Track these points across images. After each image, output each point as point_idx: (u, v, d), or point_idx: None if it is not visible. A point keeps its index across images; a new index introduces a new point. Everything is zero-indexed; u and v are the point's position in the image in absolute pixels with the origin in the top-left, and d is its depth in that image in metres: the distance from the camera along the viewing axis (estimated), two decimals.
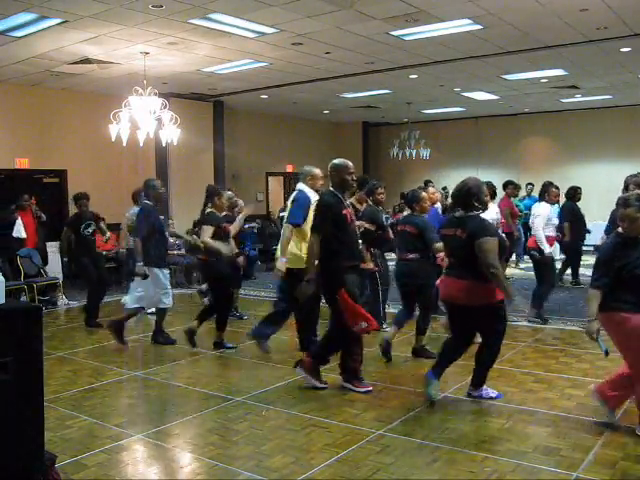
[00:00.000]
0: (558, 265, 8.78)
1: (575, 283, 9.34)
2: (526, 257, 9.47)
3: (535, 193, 10.73)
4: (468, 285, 4.17)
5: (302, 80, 10.90)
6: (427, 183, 11.35)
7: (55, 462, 2.97)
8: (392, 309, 7.30)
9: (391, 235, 6.24)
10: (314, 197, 5.47)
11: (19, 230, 9.11)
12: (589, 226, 9.53)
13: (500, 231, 5.77)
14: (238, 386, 4.92)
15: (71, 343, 6.56)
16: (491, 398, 4.41)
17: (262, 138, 15.03)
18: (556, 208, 7.91)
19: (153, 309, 7.37)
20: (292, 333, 6.65)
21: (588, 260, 9.61)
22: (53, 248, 10.19)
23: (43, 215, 9.76)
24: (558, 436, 3.76)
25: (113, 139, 8.71)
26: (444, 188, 12.37)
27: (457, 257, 4.35)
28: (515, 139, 16.03)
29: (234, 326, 6.97)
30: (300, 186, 5.71)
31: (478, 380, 4.44)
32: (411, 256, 5.52)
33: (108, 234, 7.94)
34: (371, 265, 5.87)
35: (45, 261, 9.63)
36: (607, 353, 3.78)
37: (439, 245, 5.15)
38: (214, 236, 6.05)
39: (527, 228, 9.34)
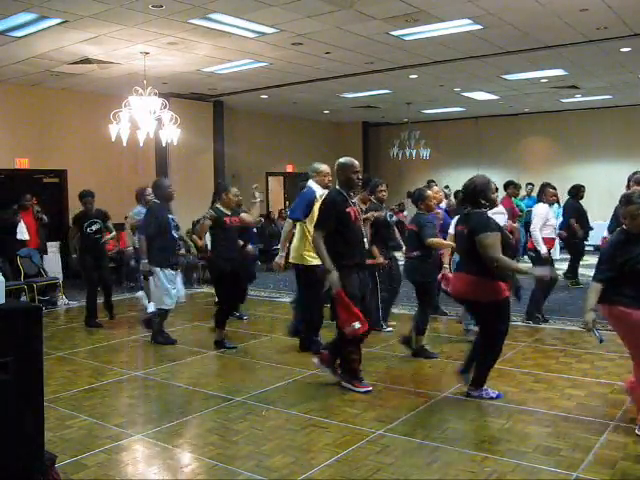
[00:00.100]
0: (557, 265, 8.78)
1: (575, 283, 9.34)
2: (525, 257, 9.47)
3: (535, 193, 10.73)
4: (473, 280, 4.27)
5: (302, 80, 10.90)
6: (430, 183, 11.36)
7: (55, 462, 2.97)
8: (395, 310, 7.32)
9: (397, 233, 6.38)
10: (320, 192, 5.53)
11: (22, 232, 9.13)
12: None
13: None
14: (238, 386, 4.91)
15: (71, 343, 6.56)
16: (491, 398, 4.42)
17: (262, 138, 15.02)
18: (555, 208, 7.92)
19: (153, 309, 7.38)
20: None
21: (589, 260, 9.62)
22: (53, 248, 10.20)
23: (45, 217, 9.70)
24: (558, 436, 3.76)
25: (113, 139, 8.71)
26: (446, 187, 12.40)
27: (463, 253, 4.50)
28: (515, 139, 16.03)
29: (234, 326, 6.97)
30: (309, 183, 5.86)
31: (478, 380, 4.45)
32: (414, 254, 5.62)
33: (114, 233, 7.86)
34: (381, 259, 5.88)
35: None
36: (601, 341, 3.81)
37: (431, 240, 5.40)
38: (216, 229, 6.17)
39: (527, 228, 9.35)
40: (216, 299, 6.80)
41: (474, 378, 4.47)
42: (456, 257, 5.84)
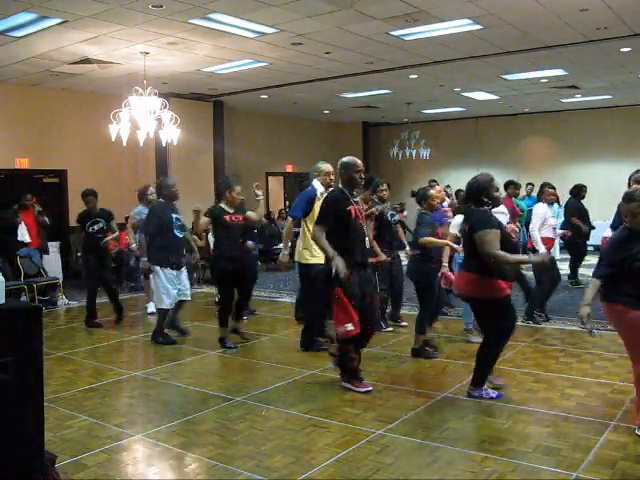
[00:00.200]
0: (558, 265, 8.76)
1: (575, 283, 9.34)
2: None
3: (535, 193, 10.74)
4: (473, 277, 4.30)
5: (302, 80, 10.90)
6: (432, 182, 11.37)
7: (55, 462, 2.97)
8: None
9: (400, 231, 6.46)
10: (321, 191, 5.60)
11: (23, 234, 9.12)
12: None
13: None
14: (238, 386, 4.91)
15: (71, 343, 6.56)
16: (491, 398, 4.41)
17: (262, 138, 15.02)
18: (555, 208, 7.92)
19: (153, 309, 7.39)
20: (292, 332, 6.67)
21: (589, 260, 9.62)
22: (53, 248, 10.20)
23: (47, 219, 9.65)
24: (558, 436, 3.76)
25: (113, 139, 8.70)
26: (448, 186, 12.42)
27: (465, 250, 4.53)
28: (515, 139, 16.03)
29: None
30: (313, 182, 5.94)
31: (478, 380, 4.44)
32: (415, 252, 5.65)
33: (117, 233, 7.85)
34: (383, 257, 5.93)
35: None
36: (591, 332, 3.80)
37: (423, 240, 5.46)
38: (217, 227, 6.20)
39: (528, 228, 9.36)
40: (216, 299, 6.80)
41: (474, 378, 4.47)
42: (457, 256, 5.87)
